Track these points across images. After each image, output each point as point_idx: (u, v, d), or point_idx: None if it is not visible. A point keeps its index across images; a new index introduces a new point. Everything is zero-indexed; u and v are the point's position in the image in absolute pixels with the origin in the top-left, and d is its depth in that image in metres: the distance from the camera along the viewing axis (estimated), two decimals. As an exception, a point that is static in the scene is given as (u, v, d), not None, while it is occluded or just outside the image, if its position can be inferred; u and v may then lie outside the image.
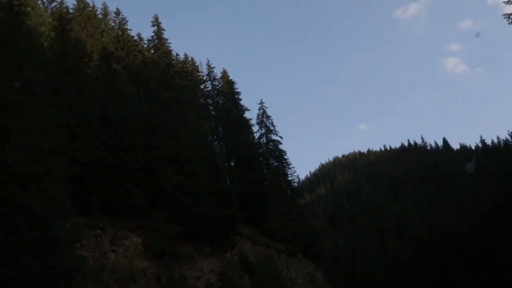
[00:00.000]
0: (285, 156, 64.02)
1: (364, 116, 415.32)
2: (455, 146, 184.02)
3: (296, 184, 63.00)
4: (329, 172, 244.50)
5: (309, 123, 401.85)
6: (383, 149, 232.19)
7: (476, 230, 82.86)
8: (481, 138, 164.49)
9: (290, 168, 63.53)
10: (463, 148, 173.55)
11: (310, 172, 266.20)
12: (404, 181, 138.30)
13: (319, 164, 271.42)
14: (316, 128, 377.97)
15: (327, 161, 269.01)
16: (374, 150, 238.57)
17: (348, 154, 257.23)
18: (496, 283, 71.56)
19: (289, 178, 63.71)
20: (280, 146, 65.04)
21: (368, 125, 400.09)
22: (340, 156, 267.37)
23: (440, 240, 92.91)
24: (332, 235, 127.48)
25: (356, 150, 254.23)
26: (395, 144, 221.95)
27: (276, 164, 63.26)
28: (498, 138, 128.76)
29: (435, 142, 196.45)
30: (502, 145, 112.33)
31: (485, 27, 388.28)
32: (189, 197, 36.74)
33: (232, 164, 56.86)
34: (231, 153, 55.57)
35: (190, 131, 41.25)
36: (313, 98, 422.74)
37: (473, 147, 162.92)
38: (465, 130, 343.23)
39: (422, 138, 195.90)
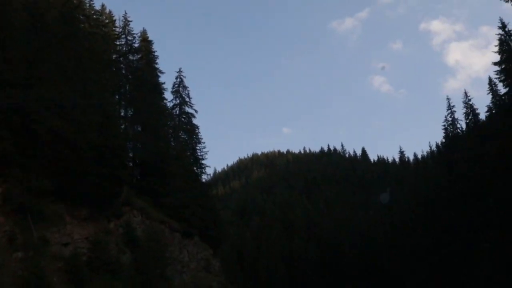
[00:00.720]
0: (197, 131, 58.67)
1: (288, 120, 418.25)
2: (373, 157, 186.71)
3: (204, 162, 57.13)
4: (246, 167, 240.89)
5: (234, 119, 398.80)
6: (302, 151, 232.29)
7: (387, 237, 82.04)
8: (400, 149, 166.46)
9: (201, 143, 58.26)
10: (381, 160, 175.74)
11: (227, 165, 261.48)
12: (320, 182, 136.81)
13: (238, 158, 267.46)
14: (240, 125, 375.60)
15: (246, 156, 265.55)
16: (293, 151, 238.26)
17: (267, 152, 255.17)
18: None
19: (198, 155, 58.36)
20: (194, 121, 59.77)
21: (291, 129, 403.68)
22: (259, 153, 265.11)
23: (348, 242, 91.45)
24: (239, 227, 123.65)
25: (276, 150, 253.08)
26: (315, 149, 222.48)
27: (185, 137, 57.83)
28: (415, 155, 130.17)
29: (354, 151, 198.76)
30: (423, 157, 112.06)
31: (413, 51, 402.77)
32: (68, 148, 30.61)
33: (138, 128, 50.84)
34: (136, 116, 49.45)
35: (83, 74, 34.99)
36: (240, 96, 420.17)
37: (390, 160, 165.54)
38: (384, 144, 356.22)
39: (342, 145, 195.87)
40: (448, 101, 67.73)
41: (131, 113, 50.43)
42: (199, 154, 57.63)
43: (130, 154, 45.99)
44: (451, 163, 62.61)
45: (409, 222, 73.34)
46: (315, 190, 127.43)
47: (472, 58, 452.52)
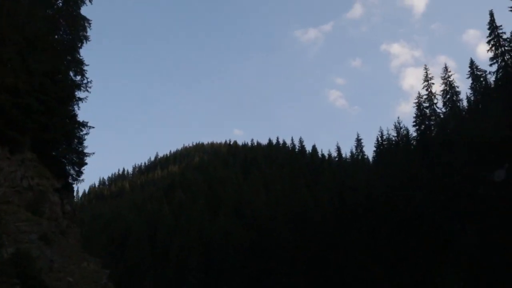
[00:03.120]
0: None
1: (240, 121, 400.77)
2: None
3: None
4: (188, 154, 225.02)
5: (187, 120, 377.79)
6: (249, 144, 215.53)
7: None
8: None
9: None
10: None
11: (170, 151, 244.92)
12: (261, 163, 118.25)
13: (182, 145, 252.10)
14: (194, 126, 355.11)
15: (191, 144, 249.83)
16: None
17: (214, 142, 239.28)
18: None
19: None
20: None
21: (242, 131, 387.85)
22: (205, 142, 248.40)
23: (285, 225, 72.71)
24: (160, 203, 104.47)
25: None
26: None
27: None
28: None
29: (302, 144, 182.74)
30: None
31: (371, 71, 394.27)
32: None
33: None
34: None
35: None
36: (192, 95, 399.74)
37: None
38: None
39: (292, 139, 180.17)
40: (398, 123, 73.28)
41: None
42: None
43: None
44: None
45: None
46: (254, 169, 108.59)
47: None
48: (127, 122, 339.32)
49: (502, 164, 45.26)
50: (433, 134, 61.43)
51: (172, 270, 79.63)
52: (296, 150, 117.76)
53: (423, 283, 48.38)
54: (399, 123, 72.12)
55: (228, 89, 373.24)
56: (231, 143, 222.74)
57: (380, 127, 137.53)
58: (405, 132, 69.62)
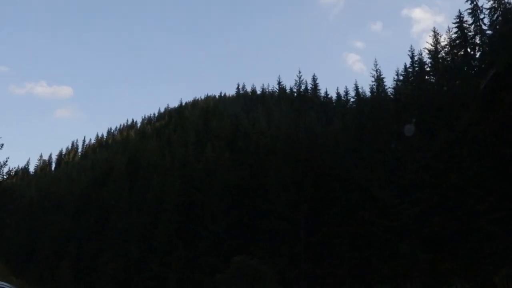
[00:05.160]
0: None
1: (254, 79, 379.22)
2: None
3: None
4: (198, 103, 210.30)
5: (203, 73, 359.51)
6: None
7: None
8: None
9: None
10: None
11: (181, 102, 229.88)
12: (267, 101, 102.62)
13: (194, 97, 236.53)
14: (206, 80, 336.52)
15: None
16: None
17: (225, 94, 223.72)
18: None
19: None
20: None
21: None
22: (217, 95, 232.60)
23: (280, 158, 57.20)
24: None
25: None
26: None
27: None
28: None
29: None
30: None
31: (391, 36, 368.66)
32: None
33: None
34: None
35: None
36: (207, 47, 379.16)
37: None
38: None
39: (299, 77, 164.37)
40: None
41: None
42: None
43: None
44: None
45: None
46: (259, 107, 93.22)
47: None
48: (142, 73, 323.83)
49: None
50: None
51: (147, 214, 65.63)
52: (309, 87, 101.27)
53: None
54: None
55: (244, 49, 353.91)
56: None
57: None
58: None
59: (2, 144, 45.96)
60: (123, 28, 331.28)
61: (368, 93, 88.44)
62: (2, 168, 44.65)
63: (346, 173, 48.94)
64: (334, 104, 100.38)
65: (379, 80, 60.29)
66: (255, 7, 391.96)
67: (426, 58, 52.01)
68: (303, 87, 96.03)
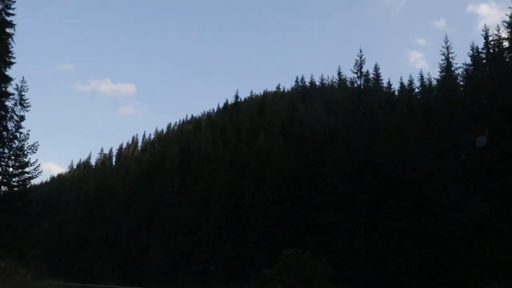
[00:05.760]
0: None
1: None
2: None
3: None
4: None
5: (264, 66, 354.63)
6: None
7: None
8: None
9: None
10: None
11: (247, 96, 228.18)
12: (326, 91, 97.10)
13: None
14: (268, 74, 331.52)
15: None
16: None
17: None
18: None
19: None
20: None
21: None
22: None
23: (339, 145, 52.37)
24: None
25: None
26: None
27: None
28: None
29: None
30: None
31: (456, 33, 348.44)
32: None
33: None
34: None
35: None
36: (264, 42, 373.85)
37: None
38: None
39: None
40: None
41: None
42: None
43: None
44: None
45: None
46: (317, 97, 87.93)
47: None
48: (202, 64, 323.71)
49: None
50: None
51: (197, 205, 62.47)
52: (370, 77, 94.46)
53: None
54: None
55: (304, 44, 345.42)
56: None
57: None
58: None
59: (37, 146, 44.00)
60: (184, 26, 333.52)
61: (434, 83, 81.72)
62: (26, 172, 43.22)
63: (413, 162, 43.48)
64: (397, 95, 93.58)
65: (448, 60, 53.75)
66: (316, 4, 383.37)
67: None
68: (363, 79, 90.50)
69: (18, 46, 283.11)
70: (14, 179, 43.90)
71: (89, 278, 70.87)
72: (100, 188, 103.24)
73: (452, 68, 52.36)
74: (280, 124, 64.81)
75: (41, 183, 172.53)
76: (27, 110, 43.75)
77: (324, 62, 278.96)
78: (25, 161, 43.77)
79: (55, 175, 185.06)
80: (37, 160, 49.66)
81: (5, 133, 43.91)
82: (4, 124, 43.65)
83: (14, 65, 41.36)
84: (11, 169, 43.74)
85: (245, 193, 55.05)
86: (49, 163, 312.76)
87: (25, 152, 43.65)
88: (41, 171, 45.50)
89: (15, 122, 43.19)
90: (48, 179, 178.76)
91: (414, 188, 41.51)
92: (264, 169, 54.97)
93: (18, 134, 43.65)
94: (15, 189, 43.94)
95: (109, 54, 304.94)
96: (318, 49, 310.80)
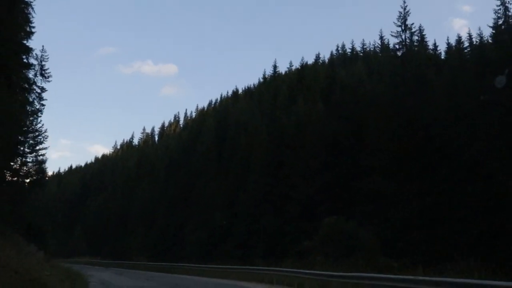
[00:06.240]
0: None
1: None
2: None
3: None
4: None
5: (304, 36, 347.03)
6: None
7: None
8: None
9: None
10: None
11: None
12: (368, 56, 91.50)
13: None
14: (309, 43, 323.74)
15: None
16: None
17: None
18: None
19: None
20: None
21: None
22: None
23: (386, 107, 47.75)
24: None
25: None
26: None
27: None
28: None
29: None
30: None
31: None
32: None
33: None
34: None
35: None
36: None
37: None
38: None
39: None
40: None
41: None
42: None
43: None
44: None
45: None
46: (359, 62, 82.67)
47: None
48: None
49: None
50: None
51: (234, 177, 59.49)
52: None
53: None
54: None
55: (343, 14, 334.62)
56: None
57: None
58: None
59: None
60: (223, 3, 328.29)
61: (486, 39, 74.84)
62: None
63: (469, 120, 38.71)
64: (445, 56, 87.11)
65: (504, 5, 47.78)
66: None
67: None
68: (408, 34, 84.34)
69: (60, 29, 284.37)
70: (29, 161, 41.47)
71: (128, 255, 69.50)
72: (139, 166, 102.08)
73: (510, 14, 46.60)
74: (319, 89, 60.49)
75: (86, 164, 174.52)
76: (48, 81, 41.46)
77: (366, 30, 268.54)
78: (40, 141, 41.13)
79: (100, 156, 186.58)
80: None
81: (28, 107, 41.78)
82: (27, 96, 41.48)
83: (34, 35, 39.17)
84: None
85: (284, 162, 51.46)
86: (96, 145, 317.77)
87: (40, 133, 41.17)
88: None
89: (36, 94, 40.89)
90: (93, 159, 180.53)
91: (469, 149, 36.82)
92: (304, 135, 51.14)
93: (40, 107, 41.53)
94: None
95: (150, 35, 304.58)
96: (359, 17, 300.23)
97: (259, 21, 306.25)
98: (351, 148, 46.58)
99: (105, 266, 67.45)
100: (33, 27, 39.11)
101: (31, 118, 40.66)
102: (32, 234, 32.09)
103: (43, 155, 42.48)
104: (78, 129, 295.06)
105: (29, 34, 39.71)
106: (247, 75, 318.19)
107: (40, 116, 41.81)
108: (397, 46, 50.44)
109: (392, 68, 53.01)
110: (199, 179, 67.74)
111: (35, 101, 40.81)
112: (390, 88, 48.89)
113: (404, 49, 50.98)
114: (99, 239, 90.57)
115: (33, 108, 40.67)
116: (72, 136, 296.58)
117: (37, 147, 41.80)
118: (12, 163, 38.67)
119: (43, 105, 41.39)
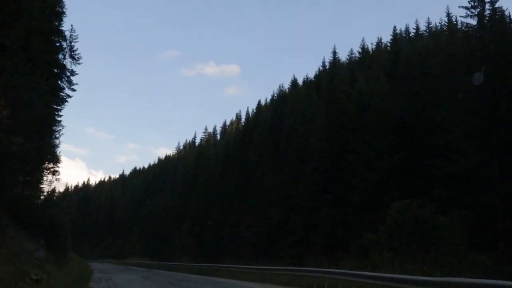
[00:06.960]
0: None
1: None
2: None
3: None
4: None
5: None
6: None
7: None
8: None
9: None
10: None
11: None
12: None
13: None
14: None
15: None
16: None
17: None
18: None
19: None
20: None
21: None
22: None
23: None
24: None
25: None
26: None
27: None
28: None
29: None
30: None
31: None
32: None
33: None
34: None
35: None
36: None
37: None
38: None
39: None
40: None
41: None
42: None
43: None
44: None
45: None
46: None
47: None
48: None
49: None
50: None
51: (290, 167, 54.68)
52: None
53: None
54: None
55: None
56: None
57: None
58: None
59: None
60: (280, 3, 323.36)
61: None
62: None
63: None
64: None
65: None
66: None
67: None
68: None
69: (121, 32, 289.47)
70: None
71: (180, 256, 66.30)
72: (198, 163, 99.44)
73: None
74: (382, 65, 54.48)
75: (149, 166, 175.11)
76: (78, 63, 38.22)
77: (432, 7, 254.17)
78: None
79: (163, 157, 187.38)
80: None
81: (60, 93, 38.77)
82: (58, 82, 38.48)
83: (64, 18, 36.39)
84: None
85: (345, 147, 45.93)
86: (162, 148, 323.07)
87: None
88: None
89: (66, 78, 37.72)
90: (156, 161, 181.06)
91: None
92: (366, 116, 45.37)
93: (70, 92, 38.39)
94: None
95: (212, 37, 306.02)
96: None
97: (320, 9, 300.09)
98: (421, 127, 40.46)
99: (148, 267, 64.64)
100: (65, 7, 36.44)
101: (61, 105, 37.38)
102: (42, 232, 28.51)
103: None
104: (144, 132, 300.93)
105: (60, 15, 37.09)
106: (307, 67, 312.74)
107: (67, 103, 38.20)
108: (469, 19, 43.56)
109: (468, 29, 46.25)
110: (254, 172, 63.55)
111: (65, 86, 37.71)
112: (465, 55, 42.18)
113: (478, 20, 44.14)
114: (153, 240, 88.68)
115: (63, 94, 37.57)
116: (139, 140, 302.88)
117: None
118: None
119: (73, 90, 38.23)
